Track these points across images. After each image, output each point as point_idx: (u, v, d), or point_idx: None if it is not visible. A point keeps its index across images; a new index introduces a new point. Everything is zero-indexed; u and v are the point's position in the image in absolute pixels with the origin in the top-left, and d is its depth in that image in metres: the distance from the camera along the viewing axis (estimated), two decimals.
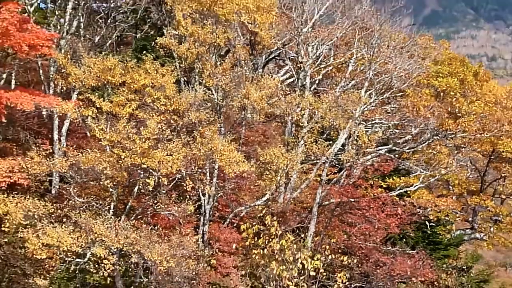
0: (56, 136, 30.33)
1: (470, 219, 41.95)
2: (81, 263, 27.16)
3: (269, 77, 34.67)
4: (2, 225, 26.40)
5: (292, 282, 30.45)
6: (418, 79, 38.79)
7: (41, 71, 30.52)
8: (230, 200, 32.97)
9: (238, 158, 29.80)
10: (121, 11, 34.48)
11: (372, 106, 36.38)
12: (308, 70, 35.81)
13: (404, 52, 37.85)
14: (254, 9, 32.51)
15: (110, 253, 26.80)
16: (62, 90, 30.57)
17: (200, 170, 30.39)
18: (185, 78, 33.02)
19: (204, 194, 31.07)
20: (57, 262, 27.11)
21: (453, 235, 40.56)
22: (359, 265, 32.81)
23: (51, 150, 29.53)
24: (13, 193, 26.68)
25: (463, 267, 40.82)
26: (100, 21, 34.07)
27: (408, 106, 37.67)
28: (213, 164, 30.01)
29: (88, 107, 29.04)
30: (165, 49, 32.76)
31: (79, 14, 32.24)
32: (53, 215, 27.53)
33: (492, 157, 40.01)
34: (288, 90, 35.68)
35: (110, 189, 28.85)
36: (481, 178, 41.37)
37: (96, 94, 29.69)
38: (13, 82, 29.96)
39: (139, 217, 29.60)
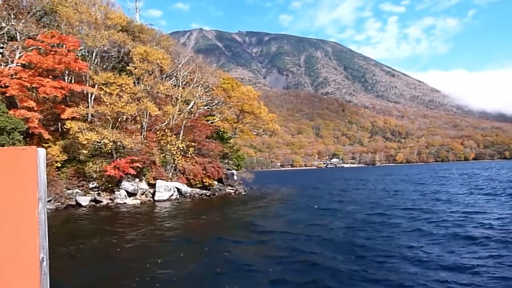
0: (90, 100, 28.92)
1: (234, 130, 41.30)
2: (99, 144, 26.88)
3: (167, 82, 34.46)
4: (70, 131, 26.24)
5: (175, 151, 31.17)
6: (218, 84, 38.49)
7: (83, 77, 28.84)
8: (153, 123, 32.19)
9: (155, 109, 29.77)
10: (113, 56, 32.41)
11: (202, 93, 35.73)
12: (180, 80, 35.21)
13: (213, 75, 37.99)
14: (161, 58, 32.16)
15: (109, 141, 26.62)
16: (91, 84, 28.95)
17: (142, 113, 29.85)
18: (136, 80, 31.77)
19: (143, 121, 30.65)
20: (90, 144, 26.79)
21: (229, 136, 40.88)
22: (198, 145, 33.11)
23: (87, 105, 28.51)
24: (74, 120, 26.65)
25: (232, 146, 42.07)
26: (106, 59, 31.95)
27: (214, 93, 37.65)
28: (147, 111, 29.58)
29: (101, 90, 28.22)
30: (130, 71, 31.40)
31: (98, 57, 30.63)
32: (89, 128, 26.95)
33: (241, 110, 40.00)
34: (172, 86, 34.47)
35: (110, 119, 28.14)
36: (238, 118, 40.47)
37: (104, 85, 28.55)
38: (73, 80, 28.48)
39: (120, 128, 28.97)
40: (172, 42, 41.82)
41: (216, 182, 35.22)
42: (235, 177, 39.71)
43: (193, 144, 32.71)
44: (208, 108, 38.56)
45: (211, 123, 37.93)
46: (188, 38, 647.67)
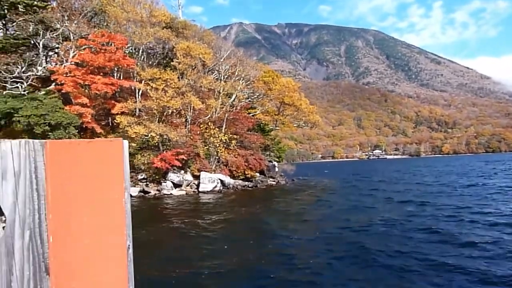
0: (137, 95, 29.77)
1: (275, 122, 41.00)
2: (147, 137, 27.46)
3: (209, 76, 34.48)
4: (120, 125, 27.40)
5: (218, 143, 31.49)
6: (258, 77, 38.22)
7: (131, 73, 29.72)
8: (197, 116, 32.57)
9: (199, 102, 30.18)
10: (158, 53, 33.07)
11: (243, 86, 36.01)
12: (222, 74, 35.25)
13: (254, 68, 37.90)
14: (203, 53, 32.39)
15: (156, 134, 27.13)
16: (138, 80, 29.64)
17: (186, 106, 30.35)
18: (180, 75, 31.95)
19: (187, 114, 31.10)
20: (138, 138, 27.30)
21: (270, 128, 40.56)
22: (240, 137, 33.11)
23: (135, 100, 29.36)
24: (123, 114, 27.50)
25: (273, 138, 41.73)
26: (151, 55, 32.74)
27: (255, 85, 37.61)
28: (191, 104, 30.10)
29: (148, 85, 28.86)
30: (174, 66, 31.82)
31: (144, 54, 31.51)
32: (137, 122, 27.61)
33: (281, 103, 39.22)
34: (215, 80, 34.60)
35: (156, 113, 28.69)
36: (278, 110, 39.92)
37: (150, 81, 29.10)
38: (121, 77, 29.20)
39: (165, 122, 29.53)
40: (213, 36, 41.94)
41: (258, 174, 35.16)
42: (277, 169, 39.36)
43: (235, 136, 32.74)
44: (249, 101, 38.51)
45: (253, 115, 37.87)
46: (228, 32, 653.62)
